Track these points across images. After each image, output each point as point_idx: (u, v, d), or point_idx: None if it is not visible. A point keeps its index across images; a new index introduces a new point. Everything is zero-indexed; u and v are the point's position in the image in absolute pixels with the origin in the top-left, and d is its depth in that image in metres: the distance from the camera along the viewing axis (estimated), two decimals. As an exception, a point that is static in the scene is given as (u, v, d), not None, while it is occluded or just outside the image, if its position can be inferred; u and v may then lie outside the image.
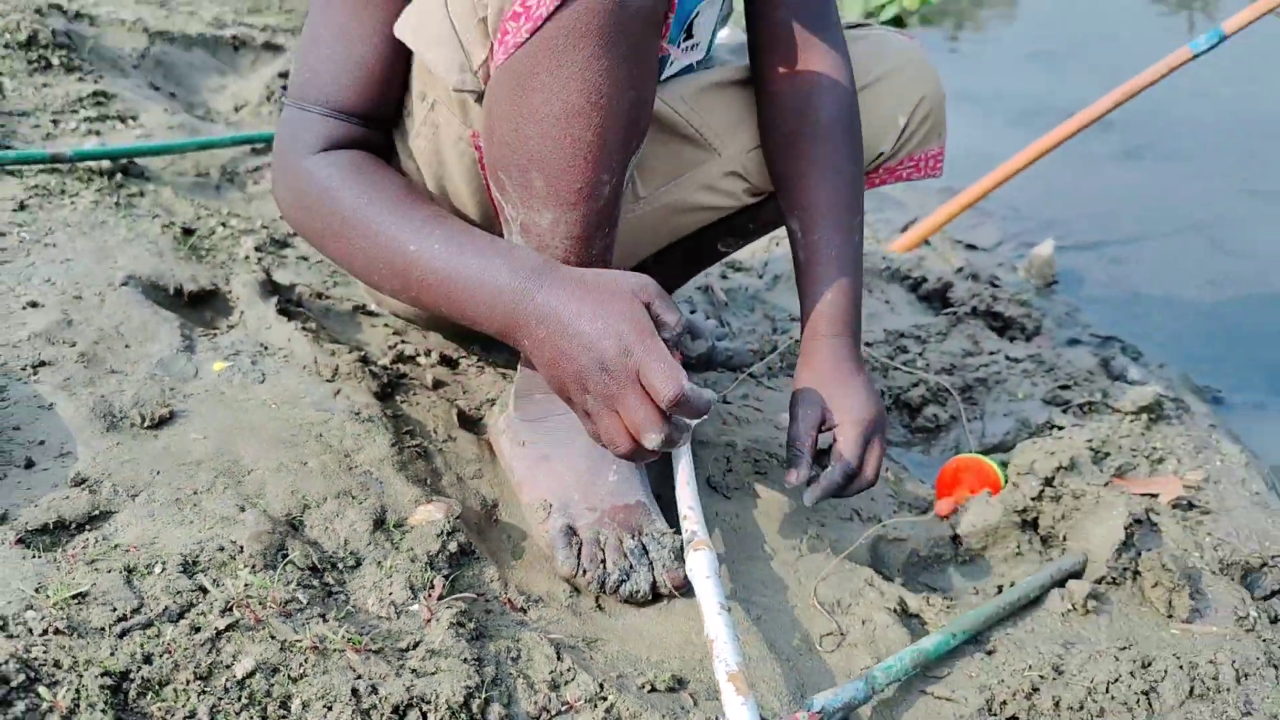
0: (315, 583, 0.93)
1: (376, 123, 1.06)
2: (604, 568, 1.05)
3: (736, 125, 1.24)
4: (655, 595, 1.06)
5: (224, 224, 1.58)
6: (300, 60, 1.04)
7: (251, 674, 0.80)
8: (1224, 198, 2.46)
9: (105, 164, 1.64)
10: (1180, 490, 1.42)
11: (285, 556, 0.93)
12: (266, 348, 1.26)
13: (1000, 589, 1.23)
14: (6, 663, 0.73)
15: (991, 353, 1.66)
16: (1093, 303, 2.05)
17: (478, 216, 1.13)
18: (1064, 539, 1.29)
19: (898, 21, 4.01)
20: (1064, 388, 1.59)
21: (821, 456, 1.16)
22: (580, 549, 1.06)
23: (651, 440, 0.88)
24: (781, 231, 2.15)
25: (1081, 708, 1.03)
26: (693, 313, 1.64)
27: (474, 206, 1.12)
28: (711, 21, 1.22)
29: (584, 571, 1.04)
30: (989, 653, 1.09)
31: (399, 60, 1.03)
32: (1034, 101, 3.15)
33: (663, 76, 1.20)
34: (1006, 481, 1.35)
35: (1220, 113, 3.00)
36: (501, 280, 0.92)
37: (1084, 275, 2.16)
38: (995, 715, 1.01)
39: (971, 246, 2.24)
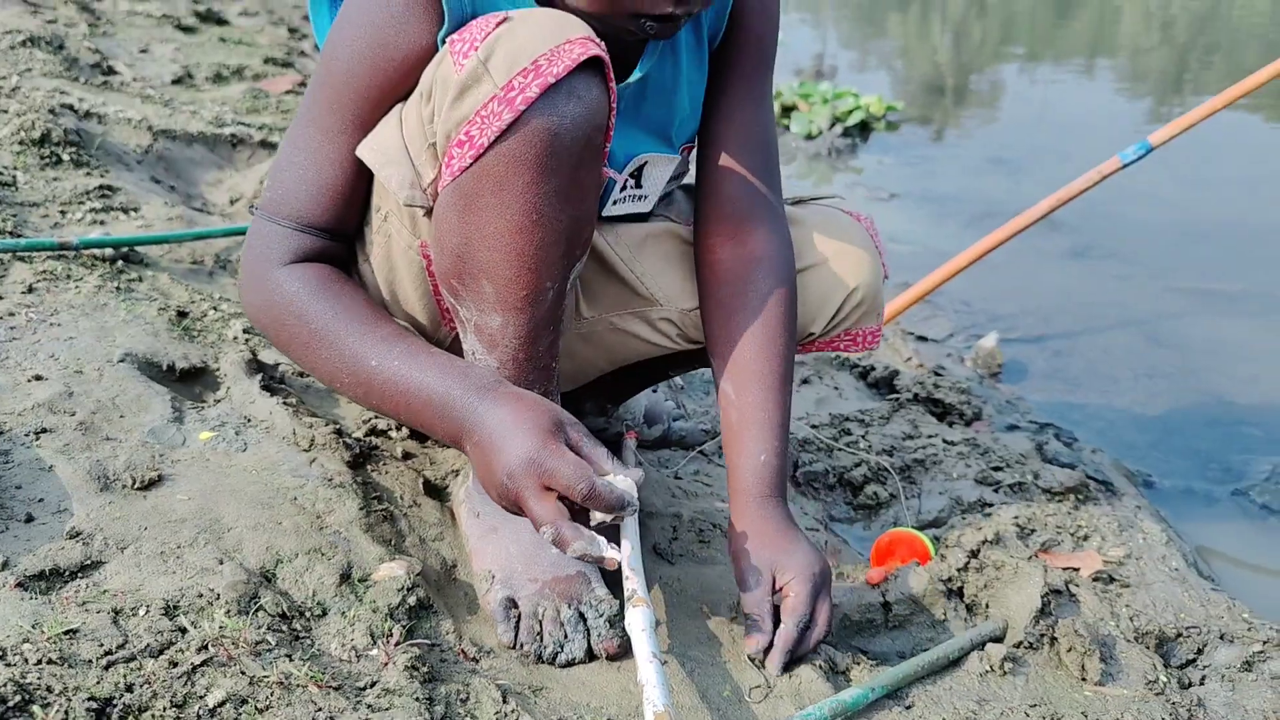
0: (284, 628, 1.02)
1: (340, 236, 1.15)
2: (540, 640, 1.13)
3: (676, 282, 1.32)
4: (591, 658, 1.15)
5: (215, 308, 1.70)
6: (274, 178, 1.13)
7: (222, 704, 0.89)
8: (1160, 295, 2.62)
9: (108, 251, 1.77)
10: (1100, 565, 1.52)
11: (258, 604, 1.03)
12: (249, 420, 1.36)
13: (924, 652, 1.33)
14: (5, 685, 0.82)
15: (930, 436, 1.78)
16: (1034, 392, 2.18)
17: (424, 318, 1.22)
18: (986, 607, 1.39)
19: (864, 127, 4.22)
20: (996, 469, 1.70)
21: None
22: (519, 621, 1.14)
23: (548, 536, 0.95)
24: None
25: (991, 758, 1.12)
26: (653, 392, 1.76)
27: (421, 309, 1.21)
28: (663, 178, 1.30)
29: (521, 645, 1.13)
30: (907, 707, 1.18)
31: (361, 181, 1.13)
32: (989, 205, 3.33)
33: (607, 212, 1.29)
34: (935, 554, 1.45)
35: (1160, 216, 3.18)
36: (452, 396, 1.02)
37: (1027, 366, 2.29)
38: (908, 762, 1.10)
39: (922, 338, 2.38)
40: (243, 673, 0.93)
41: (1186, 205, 3.29)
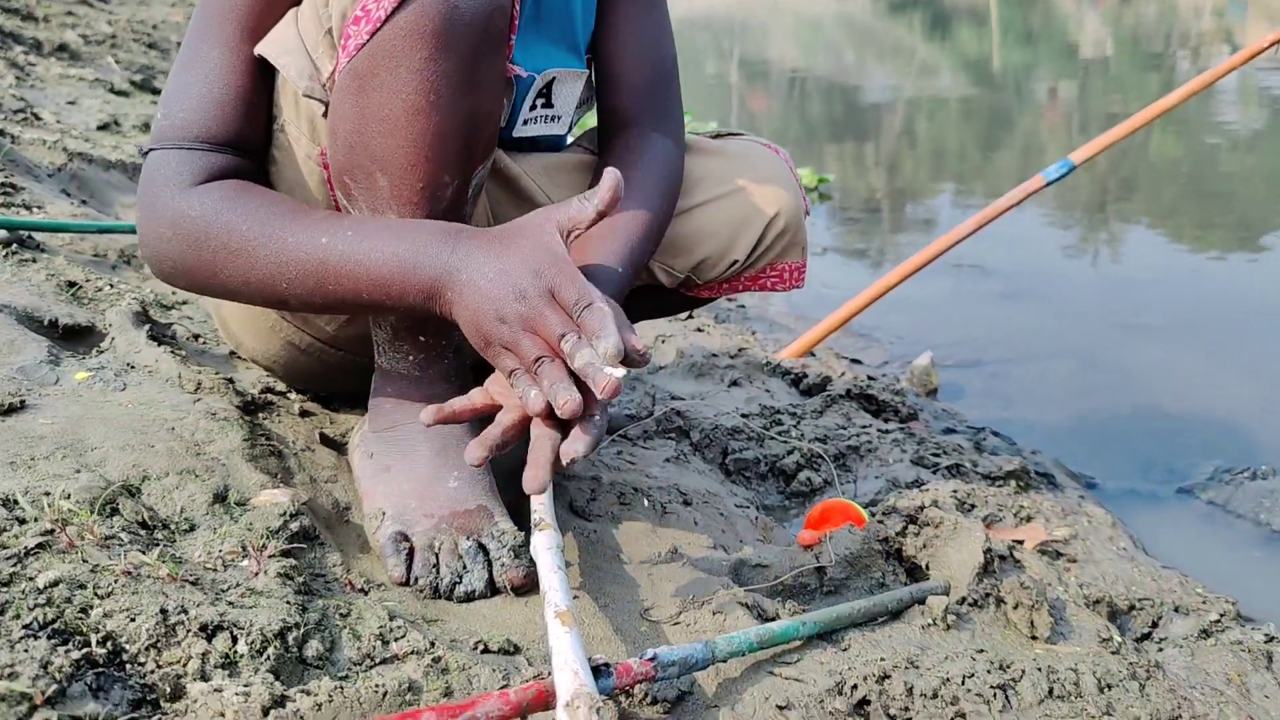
0: (141, 533, 0.91)
1: (247, 152, 1.07)
2: (436, 572, 1.02)
3: None
4: (494, 593, 1.04)
5: (110, 284, 1.60)
6: (165, 106, 1.05)
7: (54, 584, 0.77)
8: (1094, 329, 2.62)
9: (2, 234, 1.66)
10: (1045, 536, 1.45)
11: (114, 509, 0.91)
12: (132, 366, 1.26)
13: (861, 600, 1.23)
14: None
15: (864, 426, 1.71)
16: (970, 409, 2.13)
17: None
18: (927, 567, 1.30)
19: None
20: (934, 455, 1.63)
21: None
22: (411, 554, 1.04)
23: (581, 357, 0.87)
24: (664, 329, 2.23)
25: (935, 695, 1.02)
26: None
27: None
28: (573, 96, 1.27)
29: (415, 579, 1.02)
30: (844, 649, 1.08)
31: (263, 91, 1.06)
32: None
33: (518, 133, 1.25)
34: (871, 519, 1.37)
35: (1089, 269, 3.22)
36: (418, 248, 0.94)
37: (963, 387, 2.25)
38: (844, 695, 0.99)
39: (856, 361, 2.33)
40: (84, 560, 0.81)
41: (1110, 258, 3.35)
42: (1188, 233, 3.70)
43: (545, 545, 0.99)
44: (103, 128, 3.10)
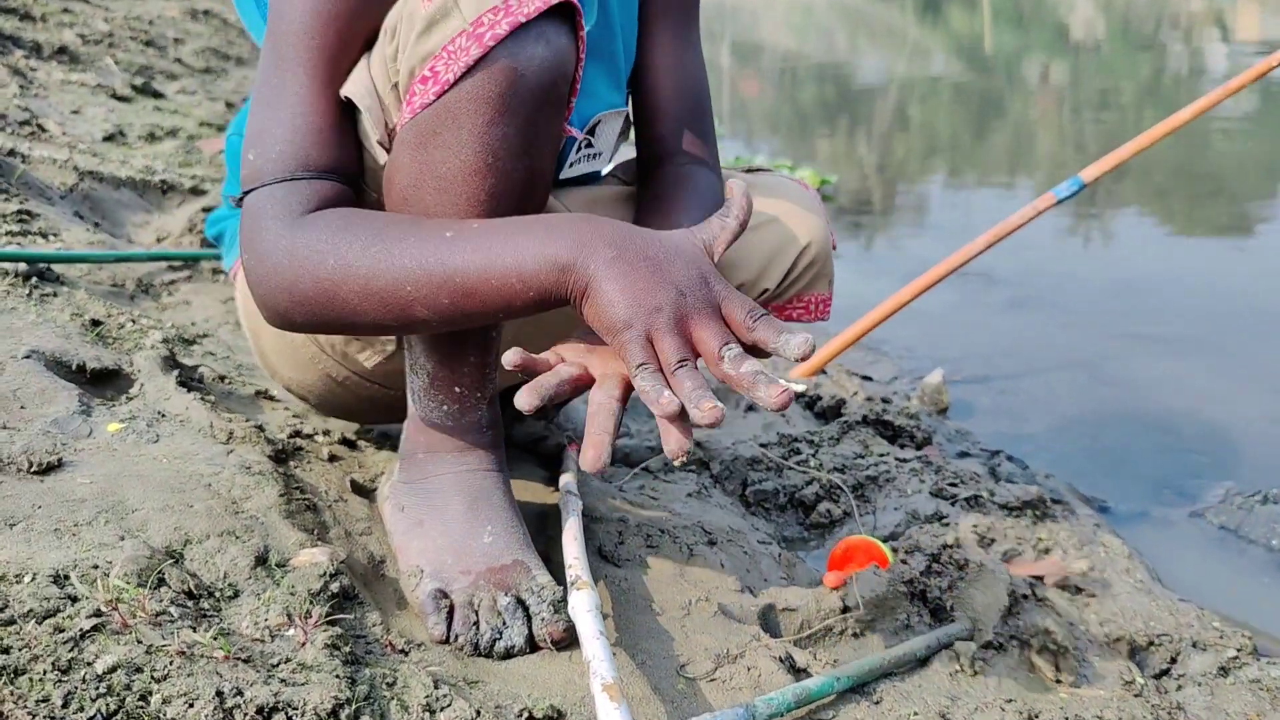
0: (189, 604, 0.92)
1: (348, 180, 1.04)
2: (476, 629, 1.03)
3: None
4: (534, 648, 1.05)
5: (133, 320, 1.61)
6: (255, 149, 1.01)
7: (113, 670, 0.78)
8: (1103, 340, 2.63)
9: (21, 267, 1.67)
10: (1065, 572, 1.47)
11: (161, 579, 0.92)
12: (164, 415, 1.27)
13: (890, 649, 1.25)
14: None
15: (881, 455, 1.73)
16: (982, 427, 2.14)
17: None
18: (951, 609, 1.32)
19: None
20: (952, 485, 1.65)
21: None
22: (451, 612, 1.04)
23: (750, 365, 0.84)
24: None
25: (966, 751, 1.03)
26: (595, 414, 1.68)
27: None
28: (614, 133, 1.28)
29: (456, 636, 1.03)
30: (875, 702, 1.09)
31: (351, 124, 1.04)
32: (925, 263, 3.35)
33: (564, 175, 1.27)
34: (894, 559, 1.38)
35: (1096, 273, 3.23)
36: (557, 224, 0.92)
37: (974, 404, 2.27)
38: (878, 754, 1.01)
39: (866, 378, 2.35)
40: (139, 641, 0.82)
41: (1118, 264, 3.35)
42: (1195, 232, 3.71)
43: (585, 608, 1.00)
44: (109, 139, 3.09)
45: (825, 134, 6.01)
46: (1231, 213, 3.92)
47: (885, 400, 2.06)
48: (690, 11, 1.28)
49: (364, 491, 1.28)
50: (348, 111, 1.04)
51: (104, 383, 1.37)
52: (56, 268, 1.75)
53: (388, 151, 1.03)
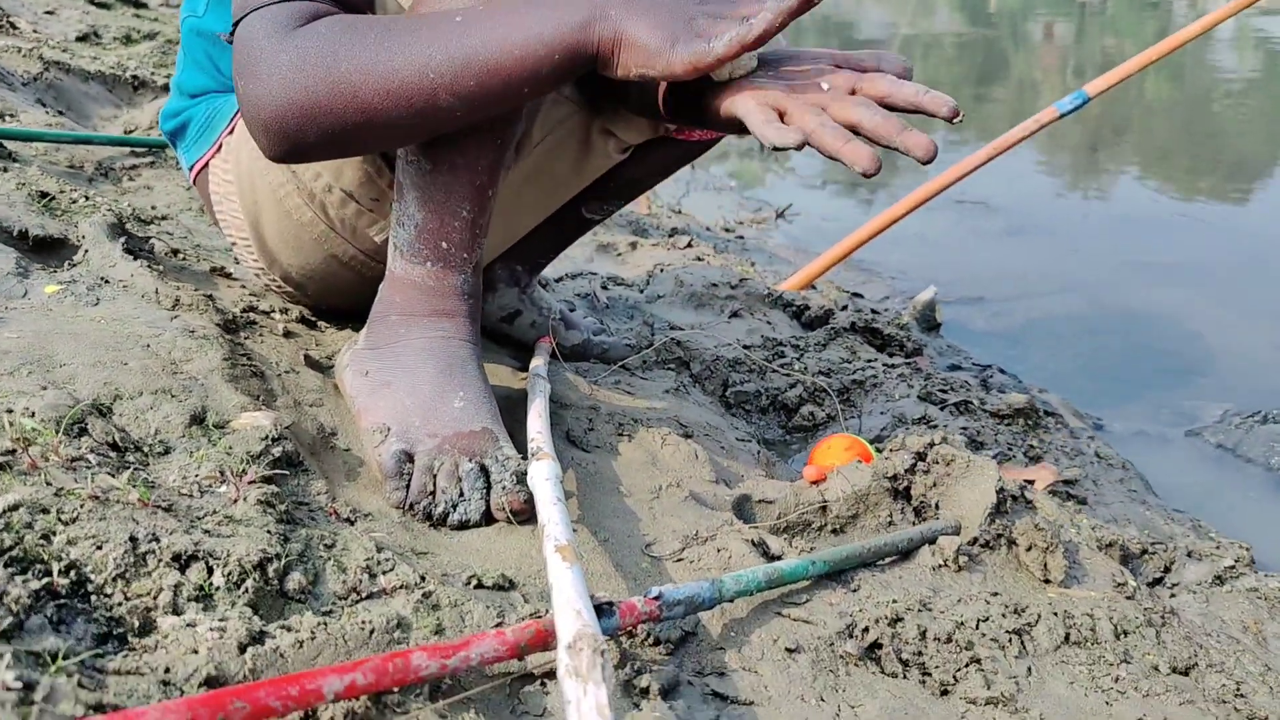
0: (111, 455, 0.85)
1: (348, 3, 0.97)
2: (431, 497, 0.97)
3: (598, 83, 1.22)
4: (490, 522, 0.99)
5: (86, 197, 1.52)
6: None
7: (14, 508, 0.71)
8: (1101, 267, 2.56)
9: (-32, 141, 1.58)
10: (1056, 477, 1.41)
11: (83, 428, 0.85)
12: (106, 280, 1.19)
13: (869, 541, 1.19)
14: None
15: (869, 360, 1.66)
16: (974, 345, 2.08)
17: None
18: (936, 507, 1.25)
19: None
20: (942, 390, 1.58)
21: None
22: (411, 478, 0.98)
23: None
24: (662, 258, 2.15)
25: (949, 640, 0.97)
26: (571, 310, 1.61)
27: None
28: None
29: (410, 505, 0.97)
30: (854, 589, 1.03)
31: None
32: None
33: None
34: (878, 455, 1.32)
35: (1096, 205, 3.15)
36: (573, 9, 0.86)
37: (967, 324, 2.20)
38: (855, 639, 0.95)
39: (858, 295, 2.27)
40: (48, 483, 0.75)
41: (1122, 198, 3.27)
42: (1196, 175, 3.63)
43: (544, 475, 0.93)
44: (82, 39, 2.98)
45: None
46: (1235, 170, 3.83)
47: (875, 311, 1.99)
48: None
49: (319, 366, 1.20)
50: None
51: (46, 251, 1.29)
52: (11, 146, 1.66)
53: None
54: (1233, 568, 1.30)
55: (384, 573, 0.83)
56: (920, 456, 1.31)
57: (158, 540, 0.73)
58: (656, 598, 0.83)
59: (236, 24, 0.94)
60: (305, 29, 0.91)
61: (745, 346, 1.63)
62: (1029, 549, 1.18)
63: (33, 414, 0.84)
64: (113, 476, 0.79)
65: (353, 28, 0.91)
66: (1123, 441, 1.73)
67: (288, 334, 1.25)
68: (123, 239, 1.27)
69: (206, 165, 1.25)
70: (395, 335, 1.08)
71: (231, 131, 1.20)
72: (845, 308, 2.03)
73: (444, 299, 1.08)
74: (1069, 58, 6.70)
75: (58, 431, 0.83)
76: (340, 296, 1.28)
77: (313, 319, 1.33)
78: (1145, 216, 3.02)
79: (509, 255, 1.38)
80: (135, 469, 0.85)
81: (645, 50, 0.86)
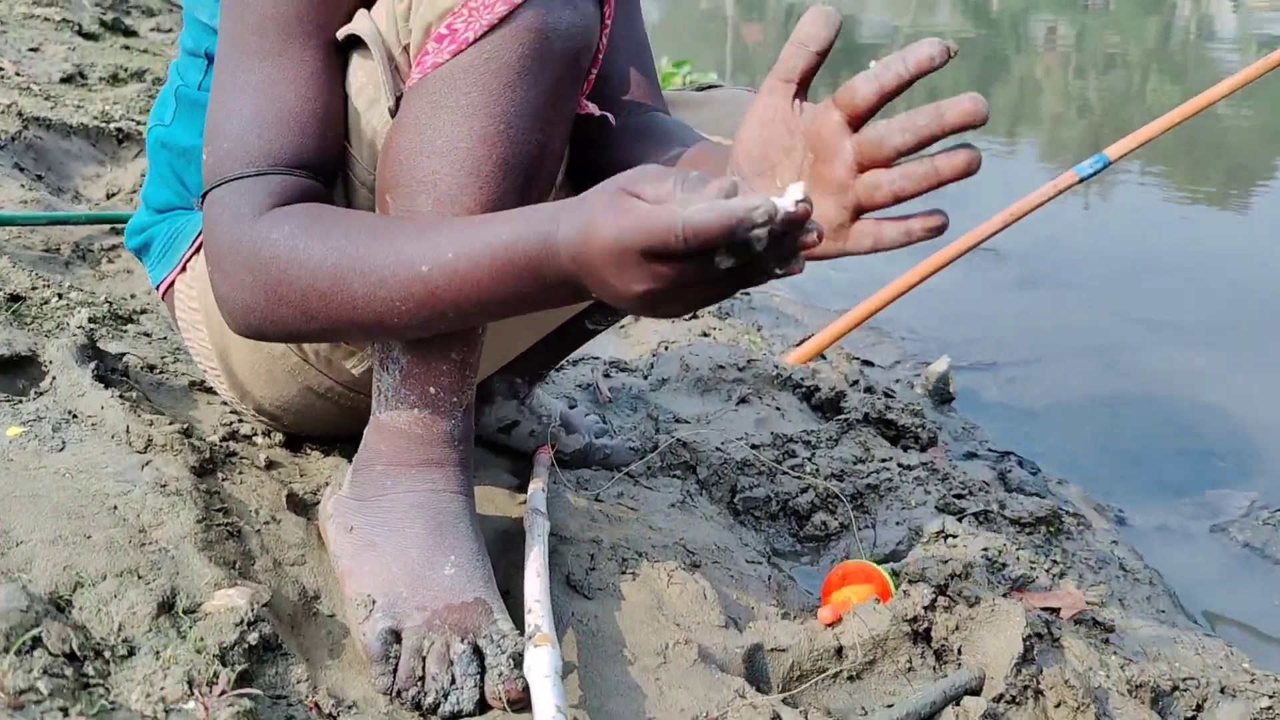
0: (67, 672, 0.77)
1: (321, 173, 0.95)
2: (421, 685, 0.90)
3: None
4: (484, 709, 0.91)
5: (60, 295, 1.45)
6: (213, 139, 0.93)
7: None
8: (1114, 325, 2.49)
9: (-64, 230, 1.50)
10: (1083, 605, 1.33)
11: (37, 640, 0.78)
12: (75, 415, 1.11)
13: (890, 707, 1.11)
14: None
15: (884, 460, 1.58)
16: (990, 420, 2.01)
17: None
18: (959, 653, 1.18)
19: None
20: (959, 496, 1.51)
21: None
22: (398, 661, 0.91)
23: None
24: (666, 334, 2.08)
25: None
26: (572, 408, 1.54)
27: None
28: None
29: (398, 692, 0.90)
30: (871, 775, 0.96)
31: (329, 97, 0.94)
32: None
33: None
34: (896, 589, 1.25)
35: (1112, 250, 3.08)
36: (526, 228, 0.79)
37: (980, 394, 2.13)
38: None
39: (868, 363, 2.20)
40: (-9, 734, 0.68)
41: (1135, 240, 3.20)
42: (1218, 205, 3.55)
43: (544, 672, 0.86)
44: (66, 80, 2.89)
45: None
46: (1258, 185, 3.75)
47: (888, 394, 1.91)
48: None
49: (302, 506, 1.13)
50: (329, 86, 0.94)
51: (15, 370, 1.22)
52: (-19, 230, 1.59)
53: (392, 115, 0.93)
54: (1269, 707, 1.23)
55: (367, 801, 0.76)
56: (941, 590, 1.24)
57: (112, 802, 0.66)
58: (665, 834, 0.76)
59: (206, 193, 0.90)
60: (266, 222, 0.88)
61: (753, 446, 1.56)
62: (1058, 705, 1.12)
63: (-19, 628, 0.76)
64: (65, 715, 0.72)
65: (313, 234, 0.87)
66: (1146, 539, 1.66)
67: (270, 465, 1.18)
68: (93, 364, 1.19)
69: (172, 284, 1.17)
70: (381, 488, 1.01)
71: (197, 251, 1.13)
72: (857, 383, 1.96)
73: (432, 447, 1.00)
74: (1071, 59, 6.64)
75: (8, 649, 0.75)
76: (319, 426, 1.21)
77: (298, 442, 1.25)
78: (1163, 258, 2.96)
79: (508, 369, 1.31)
80: (94, 686, 0.77)
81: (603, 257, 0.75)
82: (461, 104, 0.86)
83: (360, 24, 0.92)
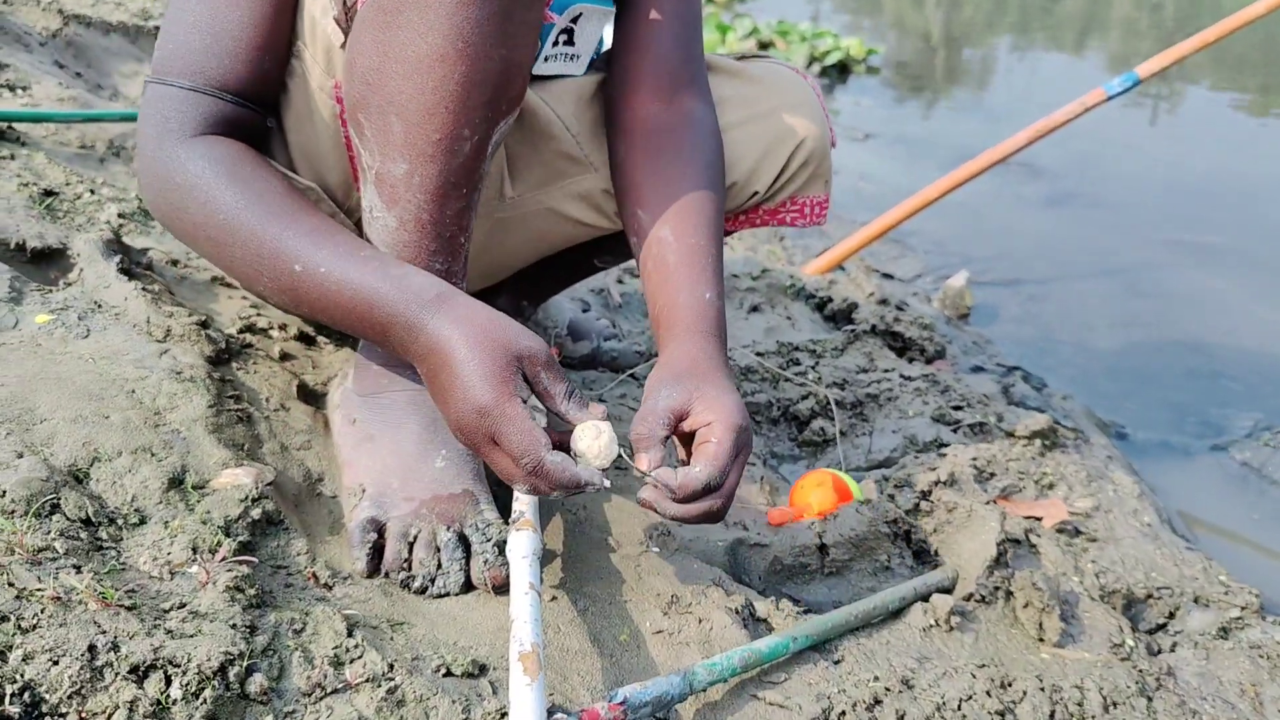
0: (82, 535, 0.84)
1: (254, 101, 0.99)
2: (408, 570, 0.96)
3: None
4: (469, 589, 0.97)
5: (92, 190, 1.51)
6: (165, 33, 0.97)
7: (-28, 620, 0.71)
8: (1143, 246, 2.46)
9: (-23, 125, 1.56)
10: (1065, 515, 1.37)
11: (54, 506, 0.85)
12: (100, 305, 1.18)
13: (861, 601, 1.17)
14: None
15: (886, 370, 1.61)
16: (1003, 336, 2.02)
17: (335, 176, 1.08)
18: (936, 554, 1.23)
19: (843, 68, 4.02)
20: (956, 408, 1.54)
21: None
22: (379, 546, 0.97)
23: (518, 489, 0.89)
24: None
25: (927, 723, 0.96)
26: (585, 311, 1.58)
27: (333, 164, 1.07)
28: (596, 35, 1.17)
29: (385, 573, 0.96)
30: (835, 662, 1.02)
31: (276, 27, 0.98)
32: (967, 149, 3.15)
33: (537, 70, 1.15)
34: (862, 496, 1.29)
35: (1146, 168, 3.02)
36: (395, 307, 0.88)
37: (998, 310, 2.13)
38: (830, 724, 0.94)
39: (888, 275, 2.21)
40: (10, 584, 0.75)
41: (1171, 159, 3.12)
42: (1264, 117, 3.45)
43: (522, 552, 0.92)
44: (106, -22, 2.93)
45: (878, 15, 5.65)
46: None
47: (900, 306, 1.93)
48: None
49: (312, 396, 1.19)
50: (282, 10, 0.97)
51: (47, 262, 1.28)
52: (19, 126, 1.64)
53: (345, 31, 0.94)
54: (1239, 618, 1.27)
55: (351, 661, 0.83)
56: (924, 495, 1.28)
57: (117, 649, 0.73)
58: (621, 703, 0.82)
59: (148, 82, 0.96)
60: (188, 151, 0.95)
61: (758, 353, 1.59)
62: (1025, 606, 1.16)
63: (3, 493, 0.83)
64: (78, 570, 0.79)
65: (224, 184, 0.94)
66: (1143, 456, 1.68)
67: (284, 356, 1.24)
68: (118, 257, 1.25)
69: None
70: (379, 385, 1.06)
71: None
72: (871, 295, 1.97)
73: None
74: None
75: (28, 512, 0.83)
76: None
77: (311, 334, 1.31)
78: (1198, 181, 2.89)
79: (515, 290, 1.36)
80: (107, 548, 0.85)
81: (434, 399, 0.90)
82: (415, 21, 0.85)
83: None
